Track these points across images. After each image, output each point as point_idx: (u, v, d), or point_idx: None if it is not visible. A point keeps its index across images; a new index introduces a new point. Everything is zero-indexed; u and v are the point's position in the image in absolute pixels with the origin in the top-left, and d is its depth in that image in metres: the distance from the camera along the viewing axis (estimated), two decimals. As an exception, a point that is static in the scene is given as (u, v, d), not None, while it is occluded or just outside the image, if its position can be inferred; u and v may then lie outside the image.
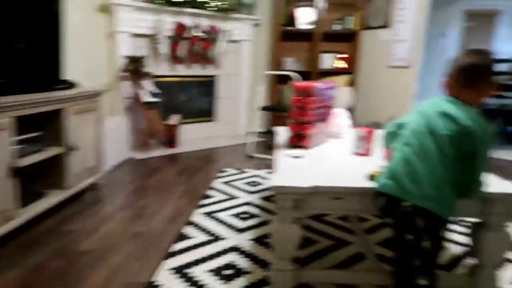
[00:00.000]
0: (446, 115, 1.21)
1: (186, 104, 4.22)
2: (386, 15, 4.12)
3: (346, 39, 4.57)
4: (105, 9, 3.38)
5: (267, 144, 4.01)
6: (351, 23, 4.50)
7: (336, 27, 4.56)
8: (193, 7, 3.82)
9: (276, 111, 4.35)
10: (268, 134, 4.13)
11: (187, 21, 3.84)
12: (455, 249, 1.90)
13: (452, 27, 7.03)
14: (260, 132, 4.24)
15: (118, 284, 1.55)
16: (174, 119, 3.87)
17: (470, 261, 1.55)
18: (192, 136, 4.20)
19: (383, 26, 4.15)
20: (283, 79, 4.40)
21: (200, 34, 3.93)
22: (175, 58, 3.89)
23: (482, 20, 7.11)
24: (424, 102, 1.34)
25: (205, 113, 4.42)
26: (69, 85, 2.33)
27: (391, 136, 1.45)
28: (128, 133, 3.50)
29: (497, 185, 1.41)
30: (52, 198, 2.14)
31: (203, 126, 4.39)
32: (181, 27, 3.79)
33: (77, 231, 1.99)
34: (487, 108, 4.62)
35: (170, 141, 3.79)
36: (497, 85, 1.26)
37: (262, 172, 3.10)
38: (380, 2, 4.22)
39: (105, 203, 2.42)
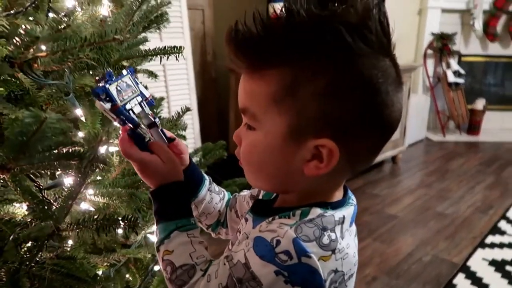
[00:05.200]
0: None
1: (495, 89, 3.68)
2: None
3: None
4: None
5: None
6: None
7: None
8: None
9: None
10: None
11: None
12: None
13: None
14: None
15: (428, 255, 1.57)
16: (479, 104, 3.46)
17: None
18: (498, 125, 3.64)
19: None
20: None
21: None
22: (489, 35, 3.42)
23: None
24: None
25: (518, 100, 3.72)
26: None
27: None
28: (427, 112, 3.40)
29: None
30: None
31: (514, 116, 3.72)
32: (504, -2, 3.27)
33: (382, 196, 2.14)
34: None
35: (472, 127, 3.43)
36: None
37: None
38: None
39: (405, 177, 2.48)
